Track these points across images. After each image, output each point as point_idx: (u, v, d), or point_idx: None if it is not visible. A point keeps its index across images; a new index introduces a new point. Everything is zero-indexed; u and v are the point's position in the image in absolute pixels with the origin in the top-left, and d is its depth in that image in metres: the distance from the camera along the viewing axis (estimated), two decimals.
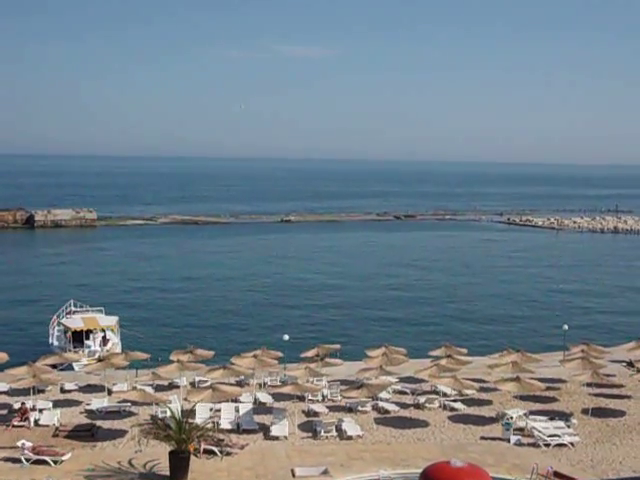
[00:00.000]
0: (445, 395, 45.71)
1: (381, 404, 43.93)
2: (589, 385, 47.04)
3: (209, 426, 36.28)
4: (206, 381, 47.07)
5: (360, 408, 42.95)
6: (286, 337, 52.97)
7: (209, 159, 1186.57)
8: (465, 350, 53.01)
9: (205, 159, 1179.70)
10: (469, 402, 45.15)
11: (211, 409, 41.23)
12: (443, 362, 48.08)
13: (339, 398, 45.28)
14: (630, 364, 53.55)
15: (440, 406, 44.17)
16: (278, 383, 48.32)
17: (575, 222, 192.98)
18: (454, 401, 44.96)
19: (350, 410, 43.21)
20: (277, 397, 45.16)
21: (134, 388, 44.76)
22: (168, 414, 36.39)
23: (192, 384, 48.07)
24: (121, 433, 38.91)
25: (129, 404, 42.57)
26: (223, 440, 36.10)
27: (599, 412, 43.41)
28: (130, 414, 42.16)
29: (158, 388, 46.79)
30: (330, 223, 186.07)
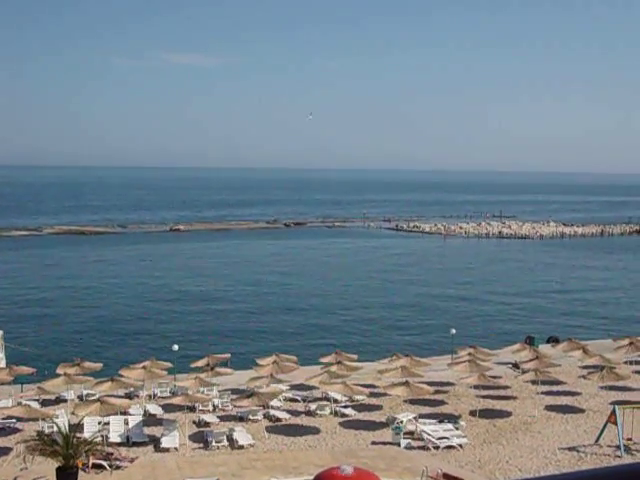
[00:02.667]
0: (336, 401, 45.98)
1: (272, 412, 43.89)
2: (476, 387, 47.98)
3: (98, 440, 35.55)
4: (94, 394, 46.18)
5: (251, 417, 42.83)
6: (175, 347, 52.48)
7: (105, 168, 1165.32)
8: (355, 356, 53.45)
9: (102, 168, 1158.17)
10: (360, 408, 45.50)
11: (99, 422, 40.47)
12: (334, 369, 48.36)
13: (230, 407, 45.06)
14: (515, 366, 54.85)
15: (331, 412, 44.37)
16: (168, 394, 47.80)
17: (461, 228, 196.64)
18: (345, 407, 45.25)
19: (241, 419, 43.04)
20: (167, 408, 44.62)
21: (19, 404, 43.59)
22: (55, 429, 35.57)
23: (80, 397, 47.06)
24: (5, 451, 37.83)
25: (14, 420, 41.45)
26: (112, 454, 35.52)
27: (486, 413, 44.31)
28: (15, 430, 41.04)
29: (45, 403, 45.69)
30: (220, 231, 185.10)
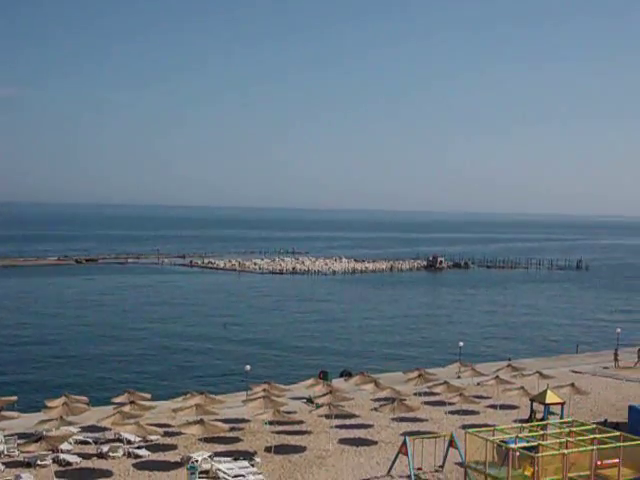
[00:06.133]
0: (129, 442, 44.79)
1: (62, 456, 42.16)
2: (271, 423, 48.01)
3: None
4: None
5: (40, 462, 40.95)
6: None
7: None
8: (149, 395, 52.29)
9: None
10: (154, 448, 44.49)
11: None
12: (126, 408, 47.12)
13: (16, 453, 42.92)
14: (310, 400, 55.36)
15: (124, 454, 43.14)
16: None
17: (256, 264, 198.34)
18: (138, 448, 44.14)
19: (29, 465, 41.09)
20: None
21: None
22: None
23: None
24: None
25: None
26: None
27: (281, 449, 44.38)
28: None
29: None
30: (7, 268, 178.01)
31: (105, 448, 43.55)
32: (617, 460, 33.64)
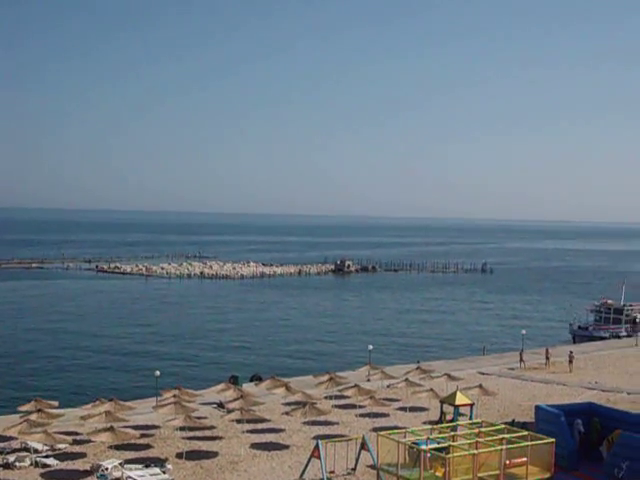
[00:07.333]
0: (36, 451, 43.84)
1: None
2: (182, 429, 47.59)
3: None
4: None
5: None
6: None
7: None
8: (56, 403, 51.30)
9: None
10: (62, 457, 43.63)
11: None
12: (33, 417, 46.11)
13: None
14: (220, 405, 55.12)
15: (32, 463, 42.21)
16: None
17: (163, 268, 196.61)
18: (46, 457, 43.25)
19: None
20: None
21: None
22: None
23: None
24: None
25: None
26: None
27: (193, 455, 44.05)
28: None
29: None
30: None
31: (11, 458, 42.55)
32: (525, 459, 34.28)
